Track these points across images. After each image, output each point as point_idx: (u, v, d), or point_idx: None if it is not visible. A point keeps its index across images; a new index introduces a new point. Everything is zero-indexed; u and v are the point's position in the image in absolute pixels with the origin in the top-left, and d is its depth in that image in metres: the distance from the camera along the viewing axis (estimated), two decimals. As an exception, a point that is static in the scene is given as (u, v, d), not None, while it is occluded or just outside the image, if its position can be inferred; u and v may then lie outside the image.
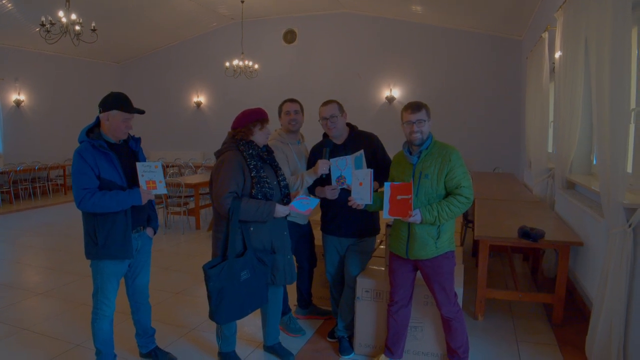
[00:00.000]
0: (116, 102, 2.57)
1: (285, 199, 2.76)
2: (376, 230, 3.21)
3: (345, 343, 3.16)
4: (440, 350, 2.92)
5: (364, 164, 2.80)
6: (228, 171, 2.59)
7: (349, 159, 2.81)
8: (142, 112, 2.66)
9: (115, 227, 2.56)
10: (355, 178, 2.68)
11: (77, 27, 6.56)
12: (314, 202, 2.79)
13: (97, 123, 2.63)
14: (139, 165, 2.61)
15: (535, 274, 4.70)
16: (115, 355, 2.82)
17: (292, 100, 3.29)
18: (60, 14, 6.46)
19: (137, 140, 2.79)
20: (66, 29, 6.54)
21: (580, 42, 3.77)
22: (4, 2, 7.92)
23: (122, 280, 2.83)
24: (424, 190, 2.55)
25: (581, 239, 3.52)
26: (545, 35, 5.27)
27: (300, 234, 3.36)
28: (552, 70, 5.17)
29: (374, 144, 3.11)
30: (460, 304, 2.76)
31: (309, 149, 3.32)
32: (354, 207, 2.71)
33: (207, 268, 2.58)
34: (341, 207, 2.92)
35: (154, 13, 9.91)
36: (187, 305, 3.96)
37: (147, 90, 12.39)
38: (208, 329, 3.42)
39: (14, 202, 9.50)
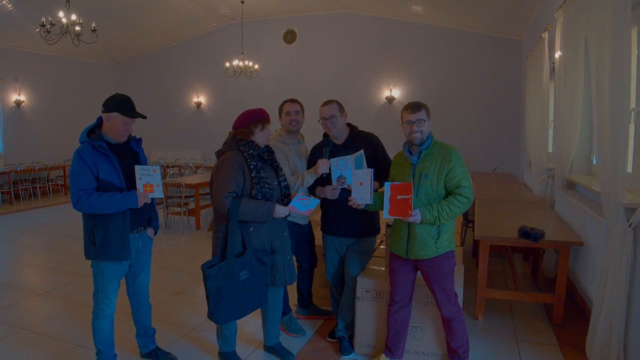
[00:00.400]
0: (119, 104, 2.57)
1: (286, 200, 2.76)
2: (376, 230, 3.21)
3: (346, 343, 3.16)
4: (441, 350, 2.92)
5: (364, 163, 2.80)
6: (228, 171, 2.60)
7: (349, 159, 2.81)
8: (143, 117, 2.66)
9: (113, 228, 2.56)
10: (355, 178, 2.68)
11: (77, 28, 6.56)
12: (314, 202, 2.78)
13: (99, 123, 2.64)
14: (137, 168, 2.61)
15: (536, 274, 4.70)
16: (115, 355, 2.82)
17: (292, 101, 3.28)
18: (61, 14, 6.46)
19: (139, 141, 2.79)
20: (66, 30, 6.54)
21: (580, 42, 3.77)
22: (4, 2, 7.92)
23: (123, 280, 2.83)
24: (424, 190, 2.55)
25: (581, 238, 3.52)
26: (545, 35, 5.27)
27: (301, 234, 3.36)
28: (552, 70, 5.17)
29: (374, 144, 3.11)
30: (461, 304, 2.76)
31: (309, 149, 3.31)
32: (354, 207, 2.71)
33: (206, 267, 2.58)
34: (341, 207, 2.92)
35: (154, 13, 9.91)
36: (187, 306, 3.96)
37: (147, 90, 12.39)
38: (208, 329, 3.42)
39: (14, 202, 9.50)
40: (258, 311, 3.10)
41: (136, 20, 10.10)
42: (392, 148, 3.08)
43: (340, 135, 3.09)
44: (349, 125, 3.15)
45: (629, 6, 2.46)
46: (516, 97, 9.10)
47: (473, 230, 4.09)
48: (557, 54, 4.48)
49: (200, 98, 12.22)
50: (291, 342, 3.26)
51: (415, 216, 2.48)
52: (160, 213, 7.33)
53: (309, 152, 3.32)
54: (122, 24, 10.05)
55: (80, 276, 4.73)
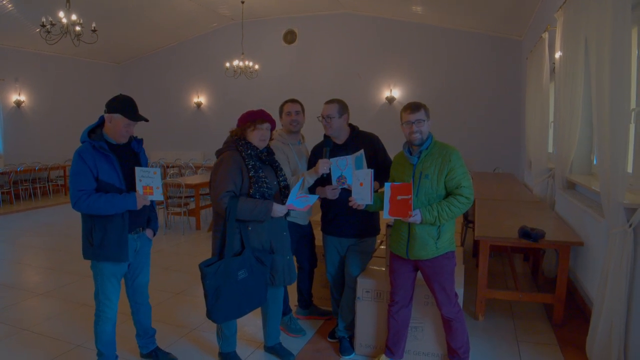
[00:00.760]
0: (122, 106, 2.56)
1: (286, 199, 2.76)
2: (376, 231, 3.21)
3: (346, 343, 3.16)
4: (441, 350, 2.92)
5: (365, 164, 2.80)
6: (226, 170, 2.61)
7: (350, 159, 2.80)
8: (146, 120, 2.66)
9: (112, 229, 2.55)
10: (355, 178, 2.68)
11: (78, 28, 6.56)
12: (313, 198, 2.79)
13: (100, 123, 2.63)
14: (137, 169, 2.60)
15: (536, 274, 4.70)
16: (117, 357, 2.82)
17: (293, 101, 3.28)
18: (61, 14, 6.45)
19: (140, 142, 2.78)
20: (66, 30, 6.54)
21: (580, 42, 3.77)
22: (4, 2, 7.92)
23: (123, 280, 2.83)
24: (424, 190, 2.55)
25: (581, 239, 3.52)
26: (546, 35, 5.27)
27: (301, 234, 3.36)
28: (552, 70, 5.17)
29: (374, 145, 3.11)
30: (461, 304, 2.76)
31: (310, 149, 3.31)
32: (354, 207, 2.70)
33: (204, 266, 2.59)
34: (342, 208, 2.92)
35: (154, 13, 9.91)
36: (187, 306, 3.96)
37: (147, 90, 12.39)
38: (208, 329, 3.42)
39: (14, 202, 9.50)
40: (258, 311, 3.10)
41: (136, 20, 10.10)
42: (392, 148, 3.08)
43: (337, 136, 3.09)
44: (350, 125, 3.15)
45: (629, 6, 2.46)
46: (516, 97, 9.10)
47: (473, 230, 4.09)
48: (557, 54, 4.48)
49: (201, 98, 12.22)
50: (291, 343, 3.26)
51: (415, 216, 2.48)
52: (161, 213, 7.33)
53: (309, 152, 3.31)
54: (122, 24, 10.05)
55: (81, 276, 4.73)
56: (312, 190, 3.10)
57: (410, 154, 2.64)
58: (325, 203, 3.15)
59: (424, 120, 2.55)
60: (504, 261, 5.14)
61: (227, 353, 2.96)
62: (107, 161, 2.54)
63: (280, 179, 2.82)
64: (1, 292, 4.34)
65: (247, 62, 10.05)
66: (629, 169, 3.10)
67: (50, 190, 10.57)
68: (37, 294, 4.29)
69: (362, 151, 2.81)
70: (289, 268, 2.85)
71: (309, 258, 3.52)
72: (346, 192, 2.79)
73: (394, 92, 10.28)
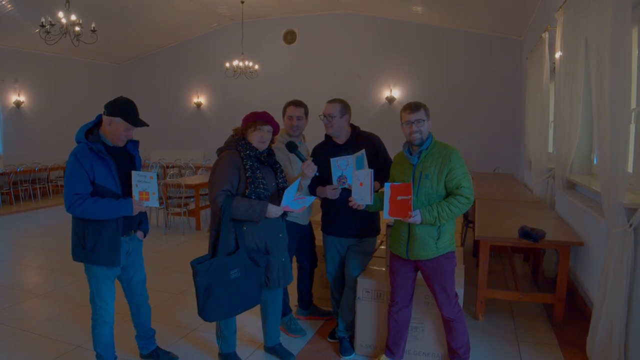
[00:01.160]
0: (123, 110, 2.52)
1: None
2: (377, 231, 3.21)
3: (346, 343, 3.16)
4: (441, 350, 2.92)
5: (366, 163, 2.79)
6: (223, 170, 2.62)
7: (351, 159, 2.80)
8: (146, 125, 2.62)
9: (106, 233, 2.52)
10: (355, 178, 2.67)
11: (77, 28, 6.56)
12: (309, 200, 2.79)
13: (97, 122, 2.59)
14: (134, 174, 2.57)
15: (536, 274, 4.70)
16: (115, 358, 2.81)
17: (297, 105, 3.20)
18: (60, 14, 6.45)
19: (136, 144, 2.75)
20: (66, 30, 6.54)
21: (581, 42, 3.77)
22: (3, 2, 7.92)
23: (119, 282, 2.82)
24: (424, 190, 2.55)
25: (582, 239, 3.52)
26: (546, 35, 5.26)
27: (302, 234, 3.36)
28: (553, 70, 5.17)
29: (375, 145, 3.10)
30: (461, 304, 2.75)
31: (311, 149, 3.30)
32: (354, 207, 2.70)
33: (195, 264, 2.59)
34: (342, 207, 2.90)
35: (154, 13, 9.91)
36: (187, 306, 3.96)
37: (147, 90, 12.39)
38: (208, 329, 3.42)
39: (14, 203, 9.49)
40: (258, 312, 3.10)
41: (136, 20, 10.10)
42: (392, 148, 3.08)
43: (338, 135, 3.08)
44: (351, 125, 3.14)
45: (629, 6, 2.46)
46: (516, 97, 9.10)
47: (473, 230, 4.09)
48: (558, 54, 4.48)
49: (200, 98, 12.22)
50: (291, 343, 3.25)
51: (415, 217, 2.48)
52: (161, 213, 7.34)
53: (310, 153, 3.30)
54: (122, 24, 10.05)
55: (80, 277, 4.68)
56: (312, 189, 3.09)
57: (410, 154, 2.63)
58: (325, 203, 3.14)
59: (424, 120, 2.55)
60: (504, 261, 5.14)
61: (227, 353, 2.96)
62: (103, 164, 2.50)
63: (280, 180, 2.81)
64: (1, 292, 4.34)
65: (247, 62, 10.05)
66: (629, 169, 3.10)
67: (50, 190, 10.56)
68: (36, 295, 4.29)
69: (363, 151, 2.80)
70: (284, 270, 2.84)
71: (309, 258, 3.52)
72: (347, 192, 2.78)
73: (394, 92, 10.27)
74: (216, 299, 2.59)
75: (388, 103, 10.32)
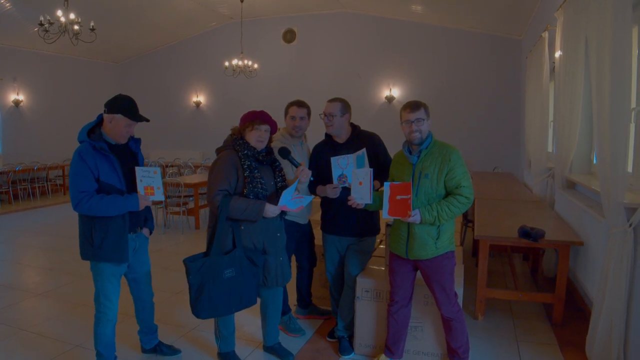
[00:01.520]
0: (123, 107, 2.55)
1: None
2: (376, 230, 3.20)
3: (345, 343, 3.15)
4: (441, 350, 2.92)
5: (366, 162, 2.78)
6: (221, 169, 2.62)
7: (351, 158, 2.79)
8: (147, 120, 2.66)
9: (113, 230, 2.55)
10: (355, 177, 2.67)
11: (76, 27, 6.54)
12: (307, 199, 2.79)
13: (99, 122, 2.61)
14: (138, 169, 2.59)
15: (535, 273, 4.70)
16: (115, 357, 2.81)
17: (299, 105, 3.17)
18: (59, 13, 6.43)
19: (137, 142, 2.78)
20: (65, 29, 6.52)
21: (581, 42, 3.77)
22: (2, 1, 7.90)
23: (125, 281, 2.83)
24: (423, 190, 2.54)
25: (581, 238, 3.51)
26: (545, 34, 5.26)
27: (301, 233, 3.35)
28: (552, 69, 5.17)
29: (376, 144, 3.10)
30: (460, 303, 2.75)
31: (311, 148, 3.29)
32: (353, 206, 2.69)
33: (188, 261, 2.59)
34: (342, 206, 2.90)
35: (153, 12, 9.89)
36: (186, 305, 3.91)
37: (146, 89, 12.36)
38: (207, 329, 3.42)
39: (13, 202, 9.48)
40: (257, 311, 3.10)
41: (135, 19, 10.08)
42: (392, 148, 3.07)
43: (338, 135, 3.08)
44: (351, 124, 3.14)
45: (629, 6, 2.46)
46: (516, 96, 9.10)
47: (473, 229, 4.09)
48: (557, 54, 4.48)
49: (200, 97, 12.20)
50: (291, 342, 3.25)
51: (415, 216, 2.47)
52: (160, 213, 7.33)
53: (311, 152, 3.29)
54: (121, 23, 10.03)
55: (79, 277, 4.71)
56: (312, 189, 3.09)
57: (410, 153, 2.63)
58: (325, 202, 3.14)
59: (424, 120, 2.54)
60: (503, 261, 5.14)
61: (225, 353, 2.95)
62: (107, 162, 2.52)
63: (278, 179, 2.81)
64: (0, 292, 4.33)
65: (246, 61, 10.04)
66: (629, 169, 3.10)
67: (49, 190, 10.55)
68: (35, 294, 4.28)
69: (363, 150, 2.80)
70: (282, 269, 2.84)
71: (309, 257, 3.51)
72: (347, 191, 2.77)
73: (394, 91, 10.27)
74: (209, 298, 2.59)
75: (387, 102, 10.31)
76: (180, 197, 6.95)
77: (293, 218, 3.15)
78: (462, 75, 9.67)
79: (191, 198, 7.25)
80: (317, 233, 3.43)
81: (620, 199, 2.54)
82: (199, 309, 2.61)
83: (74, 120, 11.34)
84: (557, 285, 3.47)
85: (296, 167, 2.80)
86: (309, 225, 3.47)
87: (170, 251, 5.88)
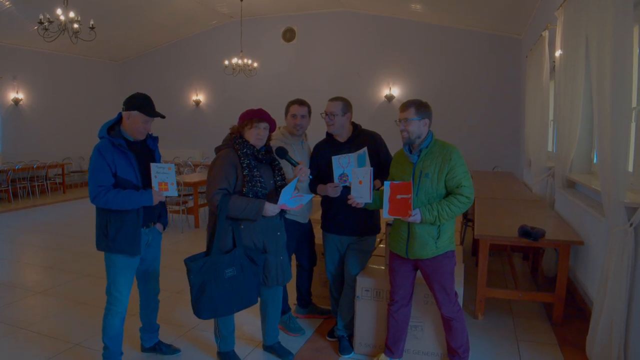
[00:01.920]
0: (139, 103, 2.64)
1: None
2: (377, 229, 3.20)
3: (345, 342, 3.15)
4: (441, 349, 2.91)
5: (367, 161, 2.78)
6: (220, 168, 2.62)
7: (352, 157, 2.79)
8: (162, 116, 2.72)
9: (127, 223, 2.63)
10: (355, 176, 2.66)
11: (76, 25, 6.53)
12: (307, 198, 2.79)
13: (119, 120, 2.70)
14: (153, 166, 2.68)
15: (535, 273, 4.70)
16: (121, 353, 2.84)
17: (300, 103, 3.17)
18: (59, 11, 6.42)
19: (155, 140, 2.86)
20: (64, 27, 6.51)
21: (581, 41, 3.76)
22: (2, 0, 7.88)
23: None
24: (424, 189, 2.54)
25: (581, 238, 3.51)
26: (546, 33, 5.26)
27: (301, 232, 3.34)
28: (553, 68, 5.16)
29: (377, 143, 3.09)
30: (461, 303, 2.75)
31: (312, 147, 3.29)
32: (353, 205, 2.69)
33: (189, 261, 2.60)
34: (342, 206, 2.90)
35: (153, 11, 9.88)
36: (185, 304, 3.94)
37: (146, 88, 12.05)
38: (207, 328, 3.41)
39: (12, 200, 9.47)
40: (257, 310, 3.09)
41: (135, 18, 10.06)
42: (392, 147, 3.07)
43: (339, 134, 3.08)
44: (352, 123, 3.13)
45: (630, 5, 2.45)
46: (516, 95, 9.10)
47: (473, 229, 4.09)
48: (558, 53, 4.47)
49: (199, 96, 12.19)
50: (290, 342, 3.24)
51: (415, 216, 2.47)
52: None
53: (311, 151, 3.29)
54: (121, 22, 10.01)
55: (79, 275, 4.71)
56: (313, 187, 3.08)
57: (410, 152, 2.62)
58: (326, 201, 3.14)
59: (413, 120, 2.52)
60: (503, 260, 5.13)
61: (225, 352, 2.95)
62: (125, 158, 2.62)
63: (277, 178, 2.80)
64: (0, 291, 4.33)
65: (246, 60, 10.03)
66: (630, 168, 3.09)
67: (49, 188, 10.53)
68: (35, 293, 4.27)
69: (365, 149, 2.79)
70: (282, 268, 2.83)
71: (309, 256, 3.51)
72: (348, 190, 2.77)
73: (393, 90, 10.26)
74: (210, 297, 2.59)
75: (387, 101, 10.30)
76: (179, 195, 6.94)
77: (293, 217, 3.14)
78: (462, 74, 9.67)
79: (191, 197, 7.24)
80: (318, 232, 3.43)
81: (620, 198, 2.54)
82: (200, 310, 2.61)
83: (73, 119, 11.39)
84: (557, 285, 3.47)
85: (294, 166, 2.80)
86: (309, 224, 3.46)
87: (169, 250, 5.87)
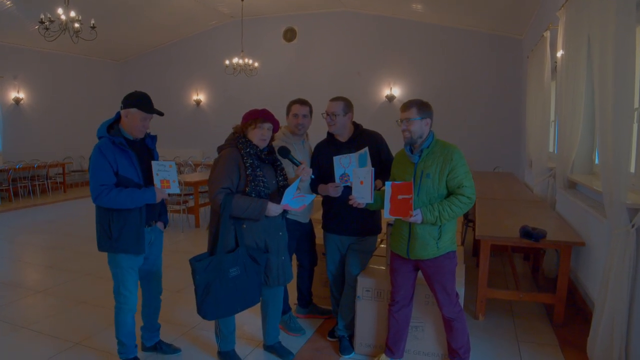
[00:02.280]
0: (137, 101, 2.63)
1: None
2: (377, 229, 3.19)
3: (346, 342, 3.15)
4: (441, 350, 2.91)
5: (369, 161, 2.77)
6: (223, 167, 2.62)
7: (353, 157, 2.78)
8: (161, 113, 2.72)
9: (130, 223, 2.62)
10: (356, 176, 2.66)
11: (76, 25, 6.53)
12: (309, 198, 2.78)
13: (117, 119, 2.69)
14: (154, 163, 2.68)
15: (536, 273, 4.69)
16: (136, 346, 2.87)
17: (302, 103, 3.17)
18: (60, 11, 6.43)
19: (154, 138, 2.86)
20: (65, 27, 6.51)
21: (583, 41, 3.75)
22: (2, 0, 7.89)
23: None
24: (425, 189, 2.53)
25: (583, 239, 3.50)
26: (547, 34, 5.25)
27: (302, 232, 3.34)
28: (554, 69, 5.15)
29: (378, 143, 3.09)
30: (462, 303, 2.74)
31: (313, 147, 3.28)
32: (354, 205, 2.68)
33: (194, 261, 2.60)
34: (343, 205, 2.89)
35: (154, 11, 9.88)
36: (186, 304, 3.95)
37: (147, 88, 11.94)
38: (207, 327, 3.41)
39: (13, 200, 9.48)
40: (257, 310, 3.09)
41: (136, 17, 10.06)
42: (393, 147, 3.07)
43: (342, 133, 3.08)
44: (354, 123, 3.13)
45: (633, 5, 2.44)
46: (516, 96, 9.09)
47: (473, 229, 4.08)
48: (559, 53, 4.47)
49: (200, 96, 12.19)
50: (291, 341, 3.24)
51: (416, 216, 2.46)
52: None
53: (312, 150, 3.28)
54: (122, 21, 10.02)
55: (80, 274, 4.71)
56: (314, 187, 3.08)
57: (412, 152, 2.62)
58: (327, 201, 3.13)
59: (414, 120, 2.52)
60: (504, 261, 5.13)
61: (226, 352, 2.95)
62: (125, 156, 2.61)
63: (280, 178, 2.80)
64: (0, 290, 4.32)
65: (246, 60, 10.03)
66: (632, 169, 3.08)
67: (49, 187, 10.54)
68: (36, 292, 4.27)
69: (366, 149, 2.78)
70: (284, 268, 2.83)
71: (309, 256, 3.51)
72: (349, 190, 2.76)
73: (394, 90, 10.26)
74: (215, 297, 2.59)
75: (388, 101, 10.30)
76: (180, 195, 6.94)
77: (294, 217, 3.14)
78: (463, 74, 9.66)
79: (191, 196, 7.24)
80: (318, 232, 3.42)
81: (622, 199, 2.53)
82: (205, 310, 2.61)
83: (74, 118, 11.39)
84: (558, 286, 3.46)
85: (297, 166, 2.79)
86: (310, 224, 3.46)
87: (170, 249, 5.87)
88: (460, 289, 2.81)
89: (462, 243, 5.22)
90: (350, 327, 3.18)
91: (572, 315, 3.61)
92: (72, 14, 6.51)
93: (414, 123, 2.52)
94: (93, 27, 6.71)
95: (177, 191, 2.76)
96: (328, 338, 3.32)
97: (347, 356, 3.08)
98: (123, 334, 2.78)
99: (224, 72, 10.25)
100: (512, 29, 8.89)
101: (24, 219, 7.92)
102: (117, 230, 2.61)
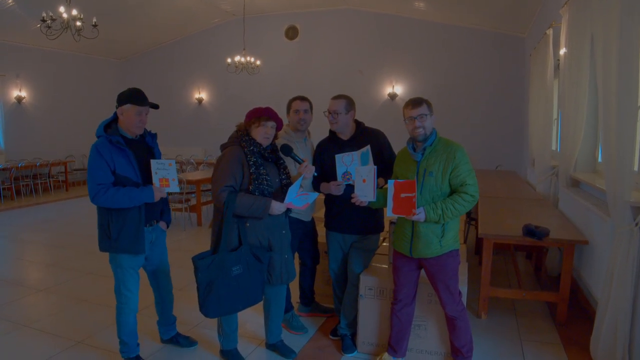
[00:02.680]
0: (130, 96, 2.63)
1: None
2: (380, 228, 3.19)
3: (348, 341, 3.14)
4: (444, 348, 2.90)
5: (371, 160, 2.76)
6: (227, 165, 2.61)
7: (355, 155, 2.78)
8: (155, 106, 2.71)
9: (129, 222, 2.62)
10: (358, 175, 2.65)
11: (78, 23, 6.53)
12: (313, 196, 2.78)
13: (115, 118, 2.69)
14: (153, 162, 2.67)
15: (539, 272, 4.68)
16: (138, 344, 2.89)
17: (302, 99, 3.20)
18: (61, 9, 6.43)
19: (154, 136, 2.85)
20: (67, 25, 6.52)
21: (586, 39, 3.74)
22: (5, -3, 7.89)
23: (143, 273, 2.91)
24: (428, 187, 2.52)
25: (586, 237, 3.49)
26: (550, 32, 5.23)
27: (304, 230, 3.33)
28: (557, 67, 5.13)
29: (380, 141, 3.08)
30: (464, 302, 2.73)
31: (315, 145, 3.28)
32: (357, 203, 2.68)
33: (196, 259, 2.60)
34: (346, 204, 2.88)
35: (156, 9, 9.87)
36: (188, 302, 3.94)
37: (149, 86, 12.12)
38: (210, 326, 3.41)
39: (15, 198, 9.50)
40: (260, 309, 3.09)
41: (137, 16, 10.06)
42: (395, 145, 3.06)
43: (344, 131, 3.07)
44: (356, 121, 3.12)
45: (637, 2, 2.42)
46: (519, 94, 9.06)
47: (476, 227, 4.07)
48: (562, 51, 4.45)
49: (202, 94, 12.19)
50: (293, 340, 3.24)
51: (419, 215, 2.45)
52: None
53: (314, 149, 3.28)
54: (124, 20, 10.02)
55: (82, 273, 4.71)
56: (316, 186, 3.07)
57: (414, 150, 2.60)
58: (329, 199, 3.13)
59: (427, 115, 2.52)
60: (506, 259, 5.12)
61: (228, 350, 2.95)
62: (123, 155, 2.60)
63: (283, 176, 2.79)
64: (2, 288, 4.33)
65: (248, 58, 10.02)
66: (635, 167, 3.07)
67: (51, 186, 10.56)
68: (38, 290, 4.28)
69: (368, 147, 2.78)
70: (287, 267, 2.83)
71: (312, 255, 3.50)
72: (351, 189, 2.76)
73: (397, 88, 10.24)
74: (217, 295, 2.59)
75: (390, 99, 10.28)
76: (182, 193, 6.94)
77: (296, 215, 3.14)
78: (465, 72, 9.64)
79: (193, 195, 7.24)
80: (321, 230, 3.42)
81: (626, 197, 2.52)
82: (207, 308, 2.61)
83: (76, 116, 11.40)
84: (561, 285, 3.45)
85: (299, 163, 2.79)
86: (312, 223, 3.46)
87: (172, 248, 5.83)
88: (462, 287, 2.81)
89: (465, 241, 5.20)
90: (353, 325, 3.17)
91: (575, 314, 3.60)
92: (74, 12, 6.52)
93: (427, 119, 2.52)
94: (95, 26, 6.72)
95: (177, 190, 2.75)
96: (330, 336, 3.31)
97: (349, 355, 3.08)
98: (125, 333, 2.79)
99: (225, 70, 10.24)
100: (515, 27, 8.86)
101: (26, 218, 7.93)
102: (117, 230, 2.60)
